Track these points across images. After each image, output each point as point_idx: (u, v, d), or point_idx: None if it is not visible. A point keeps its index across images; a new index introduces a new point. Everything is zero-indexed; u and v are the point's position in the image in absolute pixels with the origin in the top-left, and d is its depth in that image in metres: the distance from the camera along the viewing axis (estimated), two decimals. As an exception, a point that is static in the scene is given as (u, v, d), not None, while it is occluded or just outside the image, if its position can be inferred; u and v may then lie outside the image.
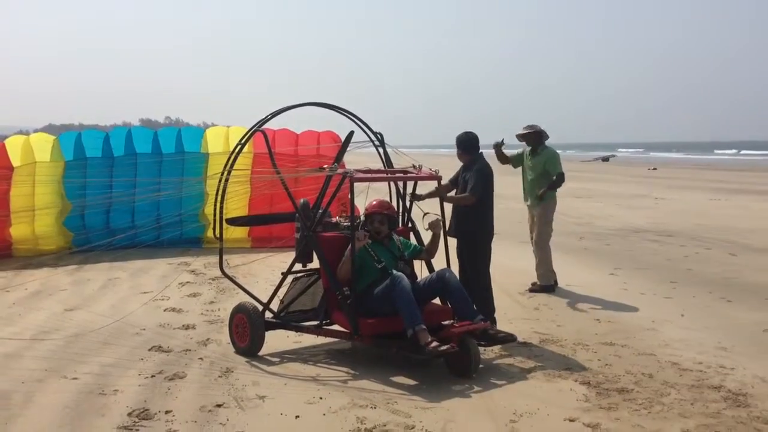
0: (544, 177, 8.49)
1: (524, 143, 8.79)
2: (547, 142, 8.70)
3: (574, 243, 12.48)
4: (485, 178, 6.61)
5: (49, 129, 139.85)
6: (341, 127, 7.67)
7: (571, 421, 4.59)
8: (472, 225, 6.58)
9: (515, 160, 8.84)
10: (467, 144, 6.75)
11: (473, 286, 6.40)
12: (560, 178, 8.50)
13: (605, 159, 64.40)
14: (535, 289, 8.50)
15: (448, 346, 5.28)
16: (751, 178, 33.07)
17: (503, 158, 8.66)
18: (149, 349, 6.15)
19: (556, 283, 8.59)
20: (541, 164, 8.52)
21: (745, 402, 4.90)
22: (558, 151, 8.71)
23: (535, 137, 8.60)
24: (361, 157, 7.71)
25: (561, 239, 12.92)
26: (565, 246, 12.15)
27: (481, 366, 5.54)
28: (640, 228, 14.44)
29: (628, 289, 8.68)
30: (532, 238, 8.71)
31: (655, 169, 44.12)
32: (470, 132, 6.82)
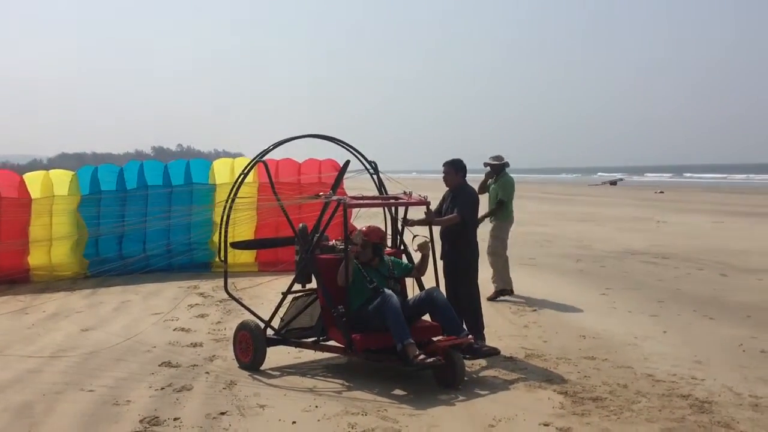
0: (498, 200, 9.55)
1: (488, 169, 9.75)
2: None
3: (570, 265, 12.87)
4: (474, 203, 7.12)
5: (62, 158, 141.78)
6: (341, 156, 8.18)
7: (545, 425, 4.99)
8: (464, 248, 7.03)
9: (485, 188, 9.71)
10: (459, 165, 7.21)
11: (466, 305, 6.85)
12: (499, 205, 9.52)
13: (613, 183, 64.74)
14: (491, 296, 9.35)
15: (434, 358, 5.72)
16: (756, 201, 33.29)
17: (483, 190, 9.51)
18: (159, 365, 6.61)
19: (511, 290, 9.58)
20: (499, 190, 9.55)
21: (709, 409, 5.28)
22: (513, 179, 9.80)
23: (499, 168, 9.67)
24: (359, 182, 8.21)
25: (558, 261, 13.37)
26: (561, 267, 12.57)
27: (466, 378, 5.97)
28: (637, 250, 14.80)
29: (616, 307, 9.07)
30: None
31: (662, 192, 44.39)
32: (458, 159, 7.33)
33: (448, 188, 7.28)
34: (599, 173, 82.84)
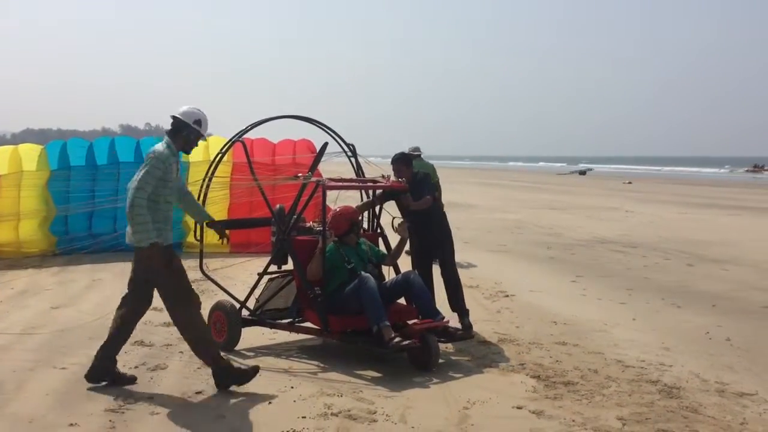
0: None
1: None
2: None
3: (541, 252, 13.03)
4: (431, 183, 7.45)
5: (27, 133, 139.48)
6: (317, 137, 8.16)
7: (519, 408, 5.07)
8: (441, 223, 7.13)
9: None
10: (407, 159, 7.21)
11: (455, 281, 7.02)
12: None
13: (582, 173, 65.47)
14: None
15: (410, 341, 5.77)
16: (721, 194, 33.97)
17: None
18: (132, 344, 6.52)
19: None
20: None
21: (677, 394, 5.41)
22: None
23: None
24: (335, 166, 8.21)
25: (529, 248, 13.53)
26: (532, 254, 12.72)
27: (441, 361, 6.03)
28: (606, 239, 15.03)
29: (586, 294, 9.22)
30: None
31: (630, 183, 45.05)
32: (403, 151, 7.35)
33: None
34: (581, 164, 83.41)
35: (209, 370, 5.74)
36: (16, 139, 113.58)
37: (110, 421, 4.70)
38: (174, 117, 5.46)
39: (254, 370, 5.38)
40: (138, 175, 5.15)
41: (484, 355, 6.38)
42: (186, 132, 5.46)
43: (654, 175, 65.01)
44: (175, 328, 7.05)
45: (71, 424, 4.64)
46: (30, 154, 12.26)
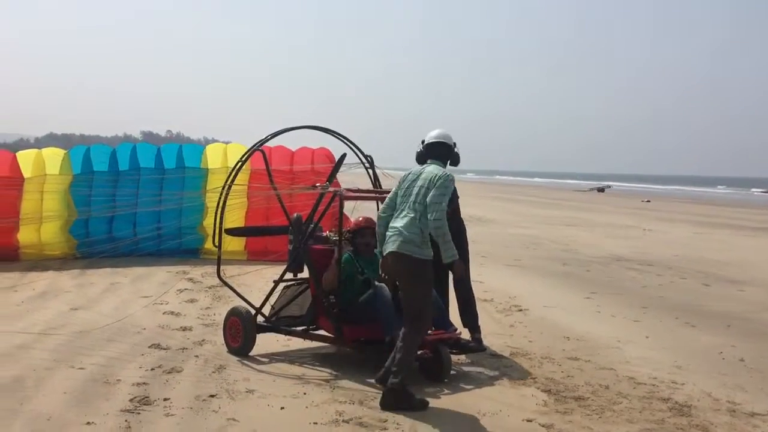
0: None
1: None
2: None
3: (557, 268, 13.03)
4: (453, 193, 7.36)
5: (50, 138, 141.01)
6: (336, 146, 8.24)
7: (529, 421, 5.11)
8: (463, 241, 7.16)
9: None
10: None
11: (469, 296, 6.98)
12: None
13: (601, 189, 65.15)
14: None
15: (422, 352, 5.82)
16: (740, 214, 33.69)
17: None
18: (149, 347, 6.68)
19: None
20: None
21: (688, 412, 5.41)
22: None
23: None
24: (352, 177, 8.32)
25: (544, 263, 13.53)
26: (547, 270, 12.72)
27: (452, 372, 6.08)
28: (622, 257, 14.98)
29: (600, 311, 9.22)
30: None
31: (648, 201, 44.76)
32: None
33: None
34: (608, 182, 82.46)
35: (224, 375, 5.84)
36: (40, 143, 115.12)
37: (126, 421, 4.79)
38: (441, 142, 5.70)
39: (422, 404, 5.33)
40: (435, 196, 5.35)
41: (496, 368, 6.42)
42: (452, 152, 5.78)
43: (673, 194, 64.57)
44: (191, 332, 7.22)
45: (88, 423, 4.74)
46: (53, 158, 12.52)
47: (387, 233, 5.53)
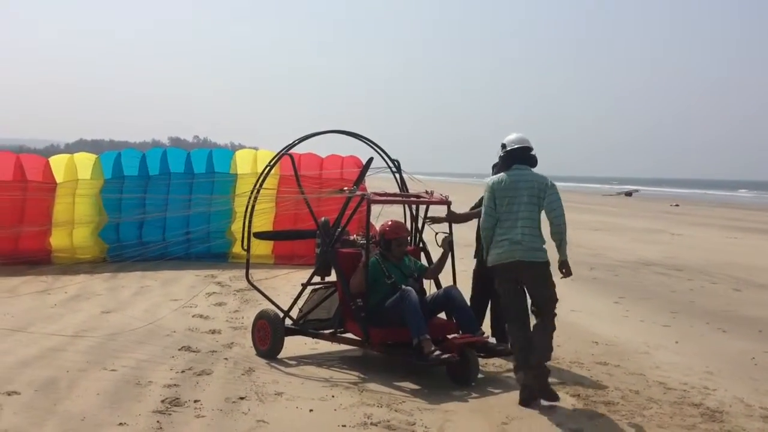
0: None
1: None
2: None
3: (584, 272, 12.90)
4: None
5: (80, 143, 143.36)
6: (364, 153, 8.26)
7: (558, 425, 5.09)
8: None
9: None
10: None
11: (497, 305, 6.90)
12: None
13: (628, 194, 64.49)
14: None
15: (449, 355, 5.82)
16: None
17: None
18: (179, 349, 6.76)
19: None
20: None
21: (720, 418, 5.34)
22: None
23: None
24: (379, 181, 8.34)
25: (572, 268, 13.38)
26: (575, 274, 12.44)
27: (480, 376, 6.08)
28: (651, 261, 14.83)
29: (629, 316, 9.14)
30: None
31: (677, 205, 44.21)
32: None
33: None
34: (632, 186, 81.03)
35: (252, 378, 5.89)
36: (70, 148, 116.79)
37: (157, 422, 4.86)
38: (526, 147, 5.85)
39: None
40: (554, 201, 5.71)
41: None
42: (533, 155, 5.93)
43: (703, 198, 63.69)
44: (220, 335, 7.30)
45: (120, 424, 4.82)
46: (85, 163, 12.72)
47: (501, 241, 5.70)
